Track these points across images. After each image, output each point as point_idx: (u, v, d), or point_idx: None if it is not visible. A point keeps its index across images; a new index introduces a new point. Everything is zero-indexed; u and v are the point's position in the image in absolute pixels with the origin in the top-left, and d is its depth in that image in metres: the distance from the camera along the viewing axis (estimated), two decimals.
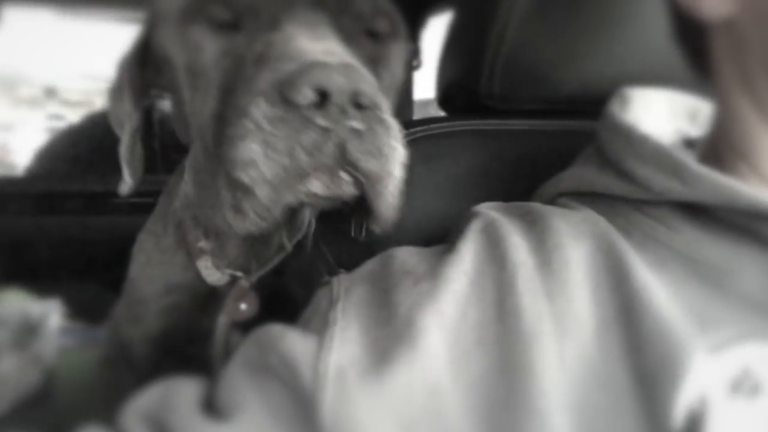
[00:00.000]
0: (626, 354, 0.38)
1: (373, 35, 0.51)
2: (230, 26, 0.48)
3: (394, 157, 0.44)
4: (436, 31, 1.30)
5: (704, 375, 0.36)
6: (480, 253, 0.43)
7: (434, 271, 0.42)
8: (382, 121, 0.42)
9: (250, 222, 0.43)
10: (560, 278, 0.41)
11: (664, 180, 0.42)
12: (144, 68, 0.56)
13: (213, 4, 0.48)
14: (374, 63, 0.51)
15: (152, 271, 0.64)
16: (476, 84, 0.63)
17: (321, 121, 0.40)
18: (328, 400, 0.36)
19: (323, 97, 0.39)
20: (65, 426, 0.62)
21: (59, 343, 0.83)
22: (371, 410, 0.36)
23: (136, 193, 0.57)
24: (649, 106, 0.53)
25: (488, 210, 0.48)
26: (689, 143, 0.52)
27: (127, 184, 0.57)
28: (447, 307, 0.40)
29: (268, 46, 0.45)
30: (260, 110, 0.41)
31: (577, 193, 0.50)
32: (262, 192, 0.41)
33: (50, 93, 2.80)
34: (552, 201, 0.52)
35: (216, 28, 0.48)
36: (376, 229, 0.47)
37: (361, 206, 0.45)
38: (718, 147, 0.47)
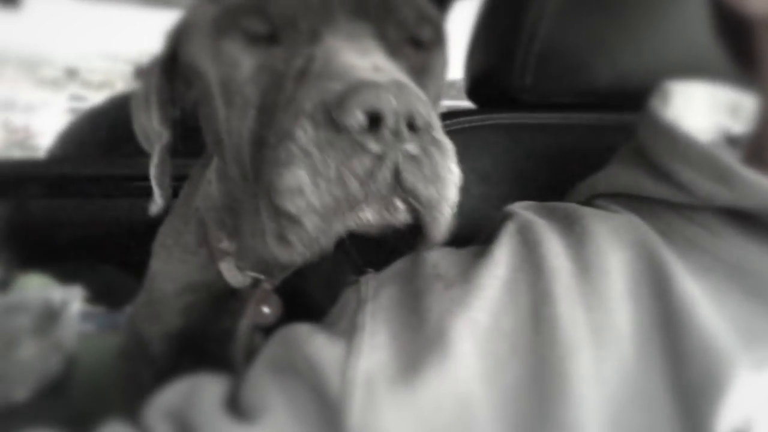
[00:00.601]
0: (667, 369, 0.37)
1: (417, 43, 0.48)
2: (267, 39, 0.45)
3: (451, 181, 0.41)
4: (459, 10, 1.28)
5: (749, 393, 0.35)
6: (515, 257, 0.42)
7: (466, 276, 0.40)
8: (437, 143, 0.39)
9: (296, 253, 0.40)
10: (599, 287, 0.39)
11: (710, 185, 0.41)
12: (171, 80, 0.53)
13: (247, 16, 0.44)
14: (419, 73, 0.47)
15: (172, 268, 0.63)
16: (507, 76, 0.61)
17: (373, 146, 0.37)
18: (356, 409, 0.35)
19: (375, 120, 0.36)
20: (87, 412, 0.62)
21: (80, 328, 0.83)
22: (400, 421, 0.35)
23: None
24: (690, 101, 0.51)
25: (523, 210, 0.46)
26: (731, 140, 0.50)
27: (157, 204, 0.54)
28: (480, 315, 0.38)
29: (309, 61, 0.42)
30: (306, 133, 0.38)
31: (615, 194, 0.48)
32: (310, 222, 0.38)
33: (72, 74, 2.82)
34: (588, 202, 0.50)
35: (251, 41, 0.45)
36: (426, 250, 0.45)
37: (413, 231, 0.42)
38: (763, 147, 0.45)
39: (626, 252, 0.41)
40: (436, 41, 0.49)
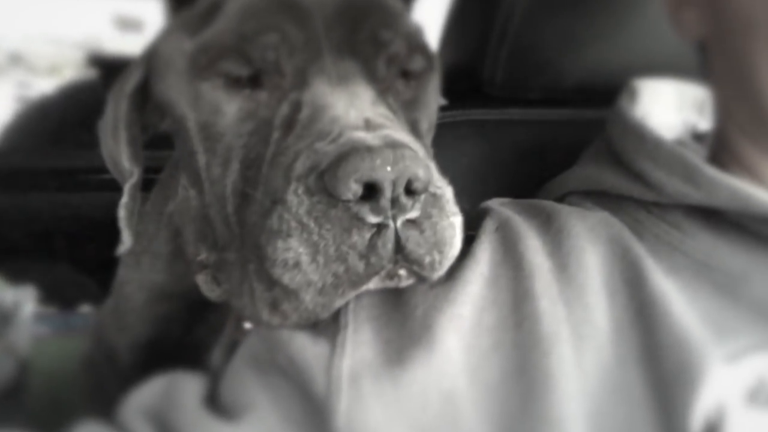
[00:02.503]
0: (642, 362, 0.38)
1: (408, 73, 0.45)
2: (249, 81, 0.41)
3: (454, 238, 0.39)
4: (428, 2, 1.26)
5: (721, 385, 0.36)
6: (495, 254, 0.42)
7: (450, 273, 0.40)
8: (436, 200, 0.38)
9: (290, 323, 0.38)
10: (577, 283, 0.40)
11: (678, 184, 0.42)
12: (142, 107, 0.49)
13: (227, 59, 0.41)
14: (411, 106, 0.45)
15: (143, 276, 0.60)
16: (479, 71, 0.61)
17: (372, 218, 0.35)
18: (343, 406, 0.35)
19: (371, 187, 0.34)
20: (43, 418, 0.60)
21: (33, 331, 0.80)
22: (386, 417, 0.35)
23: None
24: (658, 98, 0.52)
25: (501, 207, 0.46)
26: (698, 137, 0.51)
27: (125, 245, 0.50)
28: (464, 310, 0.39)
29: (295, 109, 0.39)
30: (299, 200, 0.36)
31: (586, 192, 0.49)
32: (309, 296, 0.36)
33: (15, 59, 2.69)
34: (561, 199, 0.51)
35: (233, 85, 0.41)
36: None
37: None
38: (721, 147, 0.46)
39: (602, 249, 0.42)
40: (428, 70, 0.46)
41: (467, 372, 0.37)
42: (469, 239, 0.43)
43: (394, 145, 0.35)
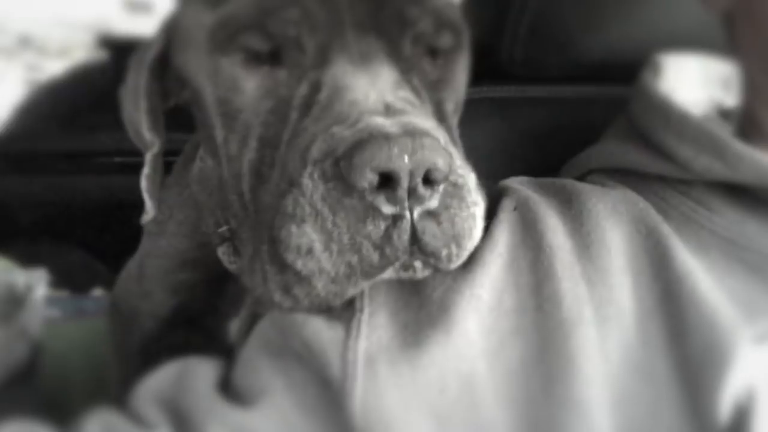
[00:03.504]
0: (669, 343, 0.37)
1: (435, 51, 0.43)
2: (269, 58, 0.40)
3: (474, 230, 0.37)
4: None
5: (751, 367, 0.35)
6: (514, 235, 0.41)
7: (468, 255, 0.39)
8: (458, 191, 0.36)
9: (301, 307, 0.37)
10: (600, 263, 0.39)
11: (705, 160, 0.41)
12: (162, 76, 0.48)
13: (247, 33, 0.40)
14: (438, 86, 0.43)
15: (166, 244, 0.60)
16: (498, 49, 0.59)
17: (387, 208, 0.34)
18: (359, 390, 0.35)
19: (388, 177, 0.33)
20: (55, 401, 0.60)
21: (45, 314, 0.79)
22: (403, 400, 0.35)
23: (122, 151, 0.52)
24: (683, 74, 0.51)
25: (519, 186, 0.45)
26: (724, 113, 0.50)
27: (149, 214, 0.50)
28: (483, 292, 0.38)
29: (315, 89, 0.39)
30: (314, 185, 0.35)
31: (609, 169, 0.48)
32: (321, 284, 0.36)
33: (25, 42, 2.69)
34: (582, 177, 0.49)
35: (253, 60, 0.40)
36: None
37: None
38: (749, 123, 0.45)
39: (625, 228, 0.41)
40: (457, 47, 0.44)
41: (487, 355, 0.36)
42: (488, 223, 0.42)
43: (413, 133, 0.34)
